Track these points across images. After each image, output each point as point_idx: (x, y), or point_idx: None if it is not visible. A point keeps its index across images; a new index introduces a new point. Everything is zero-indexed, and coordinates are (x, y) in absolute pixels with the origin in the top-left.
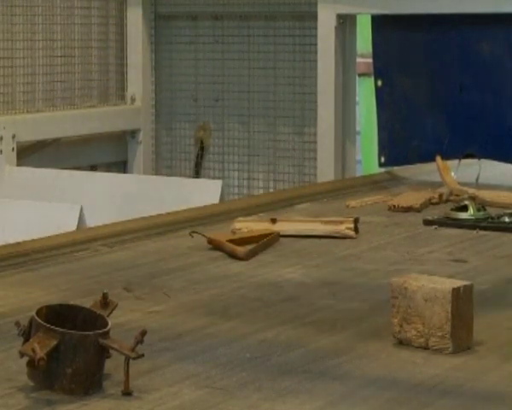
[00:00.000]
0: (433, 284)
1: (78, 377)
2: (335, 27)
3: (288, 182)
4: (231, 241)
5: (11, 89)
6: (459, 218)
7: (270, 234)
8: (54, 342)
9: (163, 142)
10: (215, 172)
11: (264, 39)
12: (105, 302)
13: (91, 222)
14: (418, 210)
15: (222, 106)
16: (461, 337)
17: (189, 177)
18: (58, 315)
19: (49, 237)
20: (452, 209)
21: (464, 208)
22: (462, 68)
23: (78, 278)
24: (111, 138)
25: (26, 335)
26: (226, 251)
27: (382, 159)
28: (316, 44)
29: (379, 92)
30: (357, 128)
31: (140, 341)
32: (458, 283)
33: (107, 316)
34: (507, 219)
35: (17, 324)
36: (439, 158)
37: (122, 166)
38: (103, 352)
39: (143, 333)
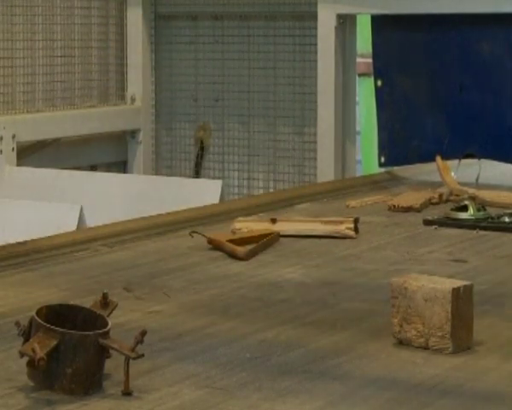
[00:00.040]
0: (433, 284)
1: (78, 377)
2: (335, 27)
3: (288, 182)
4: (231, 241)
5: (11, 89)
6: (459, 218)
7: (270, 234)
8: (54, 342)
9: (163, 142)
10: (215, 172)
11: (264, 39)
12: (105, 302)
13: (91, 222)
14: (418, 210)
15: (222, 106)
16: (461, 337)
17: (189, 177)
18: (58, 315)
19: (49, 237)
20: (452, 209)
21: (464, 208)
22: (462, 68)
23: (78, 278)
24: (111, 138)
25: (26, 335)
26: (226, 251)
27: (382, 159)
28: (316, 44)
29: (379, 92)
30: (357, 128)
31: (140, 341)
32: (458, 283)
33: (107, 316)
34: (507, 219)
35: (17, 324)
36: (439, 158)
37: (122, 166)
38: (103, 352)
39: (143, 333)
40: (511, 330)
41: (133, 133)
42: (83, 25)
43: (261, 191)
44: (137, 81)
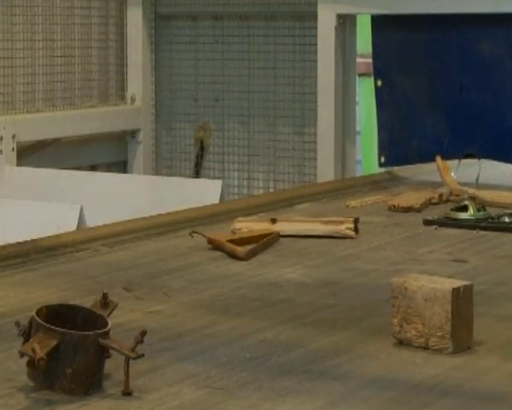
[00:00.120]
0: (433, 284)
1: (78, 377)
2: (335, 27)
3: (288, 182)
4: (231, 241)
5: (11, 89)
6: (459, 218)
7: (270, 234)
8: (54, 342)
9: (163, 142)
10: (215, 172)
11: (264, 39)
12: (105, 302)
13: (91, 222)
14: (418, 210)
15: (222, 106)
16: (461, 337)
17: (189, 177)
18: (58, 315)
19: (49, 237)
20: (452, 209)
21: (464, 208)
22: (462, 68)
23: (78, 278)
24: (111, 138)
25: (26, 335)
26: (226, 251)
27: (382, 159)
28: (316, 44)
29: (379, 92)
30: (357, 128)
31: (140, 341)
32: (458, 283)
33: (107, 316)
34: (507, 219)
35: (17, 324)
36: (439, 158)
37: (122, 166)
38: (103, 352)
39: (143, 333)
40: (511, 330)
41: (133, 133)
42: (83, 25)
43: (261, 191)
44: (137, 81)
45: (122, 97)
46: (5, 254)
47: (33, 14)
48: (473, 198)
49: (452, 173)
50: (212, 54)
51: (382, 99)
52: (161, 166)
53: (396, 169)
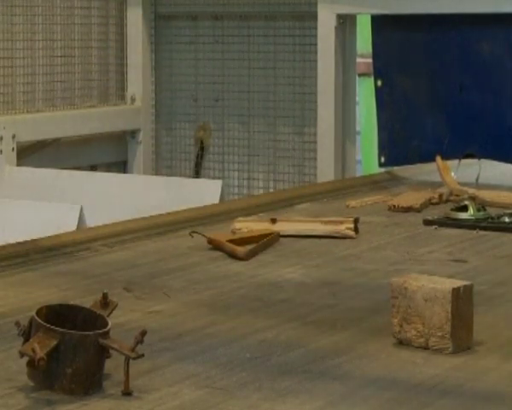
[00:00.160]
0: (433, 284)
1: (78, 377)
2: (335, 27)
3: (288, 182)
4: (231, 241)
5: (11, 89)
6: (459, 218)
7: (270, 234)
8: (54, 342)
9: (163, 142)
10: (215, 172)
11: (264, 39)
12: (105, 302)
13: (91, 222)
14: (418, 210)
15: (222, 106)
16: (461, 337)
17: (189, 177)
18: (58, 315)
19: (49, 237)
20: (452, 209)
21: (464, 208)
22: (462, 68)
23: (78, 278)
24: (111, 138)
25: (26, 335)
26: (226, 251)
27: (382, 159)
28: (316, 44)
29: (379, 92)
30: (357, 128)
31: (140, 341)
32: (458, 283)
33: (107, 316)
34: (507, 219)
35: (17, 324)
36: (439, 158)
37: (122, 166)
38: (103, 352)
39: (143, 333)
40: (511, 330)
41: (133, 133)
42: (83, 25)
43: (261, 191)
44: (137, 81)
45: (122, 97)
46: (5, 254)
47: (33, 14)
48: (473, 198)
49: (452, 173)
50: (212, 54)
51: (382, 99)
52: (161, 166)
53: (396, 169)
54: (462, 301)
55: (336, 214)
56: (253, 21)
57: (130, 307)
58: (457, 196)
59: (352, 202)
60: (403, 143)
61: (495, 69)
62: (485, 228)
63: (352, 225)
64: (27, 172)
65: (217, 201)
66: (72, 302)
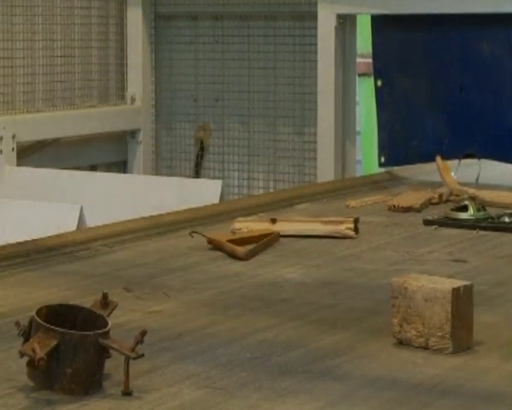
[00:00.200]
0: (433, 284)
1: (78, 377)
2: (335, 27)
3: (288, 182)
4: (231, 241)
5: (11, 89)
6: (459, 218)
7: (270, 234)
8: (54, 342)
9: (163, 142)
10: (215, 172)
11: (264, 39)
12: (105, 302)
13: (91, 222)
14: (418, 210)
15: (222, 106)
16: (461, 337)
17: (189, 177)
18: (58, 315)
19: (49, 237)
20: (452, 209)
21: (464, 208)
22: (462, 68)
23: (78, 278)
24: (111, 138)
25: (26, 335)
26: (226, 251)
27: (382, 159)
28: (316, 44)
29: (379, 92)
30: (357, 128)
31: (140, 341)
32: (458, 283)
33: (107, 316)
34: (507, 219)
35: (17, 324)
36: (439, 158)
37: (122, 166)
38: (103, 352)
39: (143, 333)
40: (511, 331)
41: (133, 133)
42: (83, 25)
43: (261, 191)
44: (137, 81)
45: (122, 97)
46: (5, 254)
47: (33, 14)
48: (473, 198)
49: (452, 173)
50: (212, 54)
51: (382, 99)
52: (161, 166)
53: (396, 169)
54: (462, 301)
55: (336, 214)
56: (253, 21)
57: (130, 307)
58: (457, 196)
59: (352, 202)
60: (403, 143)
61: (495, 69)
62: (485, 228)
63: (351, 225)
64: (27, 172)
65: (217, 201)
66: (72, 302)
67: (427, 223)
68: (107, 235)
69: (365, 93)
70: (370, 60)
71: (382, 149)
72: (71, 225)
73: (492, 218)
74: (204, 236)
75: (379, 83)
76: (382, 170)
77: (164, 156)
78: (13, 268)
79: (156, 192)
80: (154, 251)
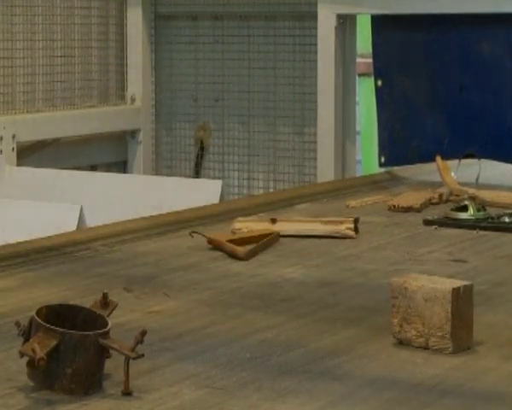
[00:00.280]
0: (433, 284)
1: (78, 377)
2: (335, 27)
3: (288, 182)
4: (231, 241)
5: (11, 89)
6: (459, 218)
7: (270, 234)
8: (54, 342)
9: (163, 142)
10: (215, 172)
11: (264, 39)
12: (105, 302)
13: (91, 222)
14: (418, 210)
15: (222, 106)
16: (461, 337)
17: (189, 177)
18: (58, 315)
19: (49, 237)
20: (452, 209)
21: (464, 208)
22: (462, 68)
23: (78, 278)
24: (111, 138)
25: (26, 335)
26: (226, 251)
27: (382, 159)
28: (316, 44)
29: (379, 92)
30: (357, 128)
31: (140, 341)
32: (458, 283)
33: (107, 316)
34: (507, 219)
35: (17, 324)
36: (439, 158)
37: (122, 166)
38: (103, 352)
39: (143, 333)
40: (511, 331)
41: (133, 133)
42: (83, 25)
43: (261, 191)
44: (137, 81)
45: (122, 97)
46: (5, 254)
47: (33, 14)
48: (473, 198)
49: (452, 173)
50: (212, 54)
51: (382, 99)
52: (161, 166)
53: (396, 169)
54: (462, 301)
55: (336, 214)
56: (253, 21)
57: (130, 307)
58: (457, 196)
59: (352, 202)
60: (403, 143)
61: (495, 69)
62: (485, 228)
63: (351, 225)
64: (27, 172)
65: (217, 201)
66: (72, 302)
67: (427, 223)
68: (107, 235)
69: (365, 93)
70: (370, 60)
71: (382, 149)
72: (71, 225)
73: (492, 218)
74: (204, 236)
75: (379, 83)
76: (382, 170)
77: (164, 156)
78: (13, 268)
79: (156, 192)
80: (154, 251)
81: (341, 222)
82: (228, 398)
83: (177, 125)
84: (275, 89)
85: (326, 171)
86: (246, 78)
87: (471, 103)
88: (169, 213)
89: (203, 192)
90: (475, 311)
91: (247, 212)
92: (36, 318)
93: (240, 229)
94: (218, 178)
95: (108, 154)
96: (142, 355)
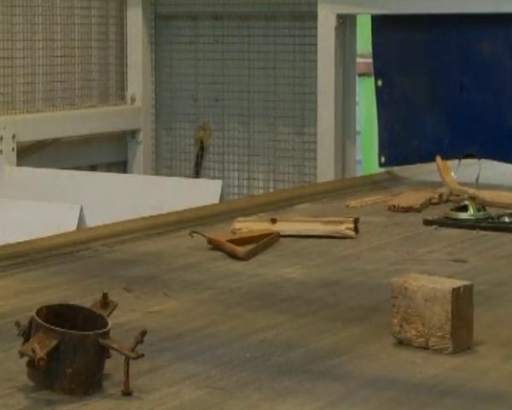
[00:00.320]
0: (433, 284)
1: (78, 377)
2: (335, 27)
3: (288, 182)
4: (231, 241)
5: (11, 89)
6: (459, 218)
7: (270, 234)
8: (54, 342)
9: (163, 142)
10: (215, 172)
11: (264, 39)
12: (105, 302)
13: (91, 222)
14: (418, 210)
15: (222, 106)
16: (461, 337)
17: (189, 177)
18: (58, 315)
19: (49, 237)
20: (452, 209)
21: (464, 208)
22: (462, 68)
23: (78, 278)
24: (111, 138)
25: (26, 335)
26: (226, 251)
27: (382, 159)
28: (316, 44)
29: (379, 92)
30: (357, 128)
31: (140, 341)
32: (458, 283)
33: (107, 316)
34: (507, 219)
35: (17, 324)
36: (439, 158)
37: (122, 166)
38: (103, 352)
39: (143, 333)
40: (511, 331)
41: (133, 133)
42: (83, 25)
43: (261, 191)
44: (137, 81)
45: (122, 97)
46: (5, 254)
47: (33, 14)
48: (473, 198)
49: (452, 173)
50: (212, 54)
51: (382, 99)
52: (161, 166)
53: (396, 169)
54: (462, 301)
55: (336, 214)
56: (253, 21)
57: (130, 307)
58: (457, 196)
59: (352, 202)
60: (403, 143)
61: (495, 69)
62: (485, 228)
63: (352, 225)
64: (27, 172)
65: (217, 201)
66: (72, 302)
67: (427, 223)
68: (107, 235)
69: (365, 93)
70: (370, 60)
71: (382, 148)
72: (71, 225)
73: (492, 218)
74: (204, 236)
75: (379, 83)
76: (382, 170)
77: (164, 156)
78: (13, 268)
79: (156, 192)
80: (154, 251)
81: (341, 222)
82: (228, 398)
83: (177, 125)
84: (275, 89)
85: (326, 171)
86: (246, 78)
87: (471, 103)
88: (169, 213)
89: (203, 192)
90: (475, 311)
91: (247, 212)
92: (36, 318)
93: (240, 229)
94: (218, 178)
95: (108, 154)
96: (142, 355)
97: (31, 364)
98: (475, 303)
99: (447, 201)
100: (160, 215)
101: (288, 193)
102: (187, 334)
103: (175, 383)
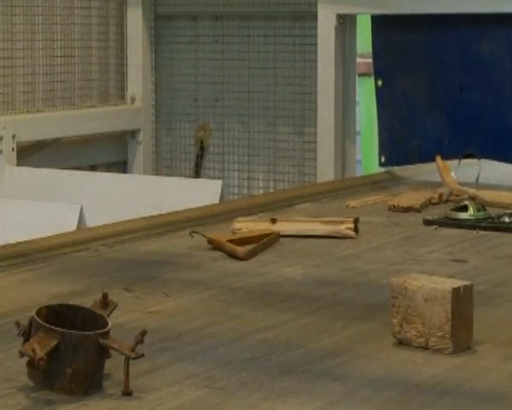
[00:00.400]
0: (433, 284)
1: (78, 377)
2: (335, 27)
3: (288, 182)
4: (231, 241)
5: (11, 89)
6: (459, 218)
7: (270, 234)
8: (54, 342)
9: (163, 142)
10: (215, 172)
11: (264, 39)
12: (105, 302)
13: (91, 222)
14: (418, 210)
15: (222, 106)
16: (461, 337)
17: (189, 177)
18: (58, 315)
19: (49, 237)
20: (452, 209)
21: (464, 208)
22: (462, 68)
23: (78, 277)
24: (111, 138)
25: (26, 335)
26: (226, 251)
27: (382, 159)
28: (316, 44)
29: (379, 92)
30: (357, 128)
31: (140, 341)
32: (458, 283)
33: (107, 316)
34: (507, 219)
35: (17, 324)
36: (439, 158)
37: (122, 166)
38: (103, 352)
39: (143, 333)
40: (511, 331)
41: (133, 133)
42: (83, 25)
43: (261, 191)
44: (137, 81)
45: (122, 97)
46: (5, 254)
47: (33, 14)
48: (473, 198)
49: (452, 173)
50: (212, 54)
51: (382, 99)
52: (161, 166)
53: (396, 169)
54: (462, 301)
55: (336, 214)
56: (253, 21)
57: (130, 307)
58: (457, 196)
59: (352, 202)
60: (403, 143)
61: (495, 69)
62: (485, 228)
63: (352, 225)
64: (27, 172)
65: (217, 201)
66: (72, 302)
67: (427, 223)
68: (107, 235)
69: (365, 93)
70: (370, 60)
71: (383, 148)
72: (71, 225)
73: (492, 218)
74: (204, 236)
75: (379, 83)
76: (382, 170)
77: (164, 156)
78: (13, 268)
79: (156, 192)
80: (154, 251)
81: (341, 222)
82: (228, 398)
83: (177, 125)
84: (275, 89)
85: (326, 171)
86: (246, 78)
87: (471, 103)
88: (169, 213)
89: (203, 192)
90: (475, 311)
91: (247, 212)
92: (36, 318)
93: (240, 229)
94: (218, 178)
95: (108, 154)
96: (142, 355)
97: (31, 364)
98: (475, 303)
99: (447, 201)
100: (160, 215)
101: (288, 193)
102: (187, 334)
103: (175, 383)
